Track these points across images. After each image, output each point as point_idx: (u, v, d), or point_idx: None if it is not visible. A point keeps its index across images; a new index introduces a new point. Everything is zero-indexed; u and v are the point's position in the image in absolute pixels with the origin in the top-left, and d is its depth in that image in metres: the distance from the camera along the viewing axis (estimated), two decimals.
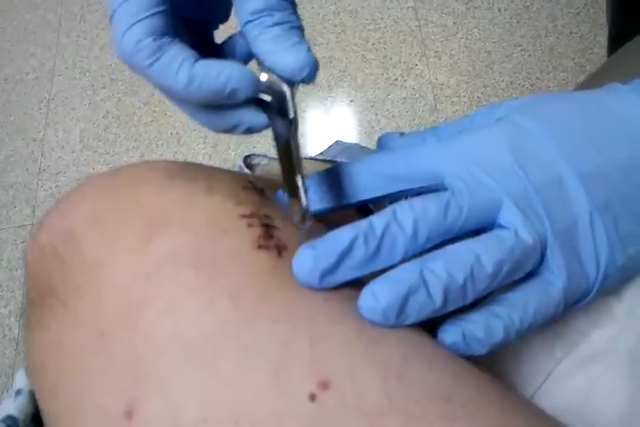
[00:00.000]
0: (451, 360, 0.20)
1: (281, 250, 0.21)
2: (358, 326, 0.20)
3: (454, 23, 1.38)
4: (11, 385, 1.11)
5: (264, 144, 1.31)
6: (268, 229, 0.22)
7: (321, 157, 0.49)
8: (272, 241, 0.21)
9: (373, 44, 1.39)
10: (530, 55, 1.31)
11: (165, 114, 1.38)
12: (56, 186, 1.34)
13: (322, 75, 1.37)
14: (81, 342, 0.20)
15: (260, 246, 0.21)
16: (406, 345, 0.20)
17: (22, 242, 1.28)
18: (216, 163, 1.30)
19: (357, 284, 0.21)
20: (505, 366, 0.24)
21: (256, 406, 0.17)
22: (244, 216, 0.22)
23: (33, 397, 0.23)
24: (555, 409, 0.23)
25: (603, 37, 1.29)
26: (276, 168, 0.49)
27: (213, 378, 0.18)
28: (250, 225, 0.22)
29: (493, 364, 0.24)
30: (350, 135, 1.30)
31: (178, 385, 0.18)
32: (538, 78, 1.28)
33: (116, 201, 0.22)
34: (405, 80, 1.33)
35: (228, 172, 0.26)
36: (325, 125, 1.32)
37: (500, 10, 1.37)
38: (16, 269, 1.26)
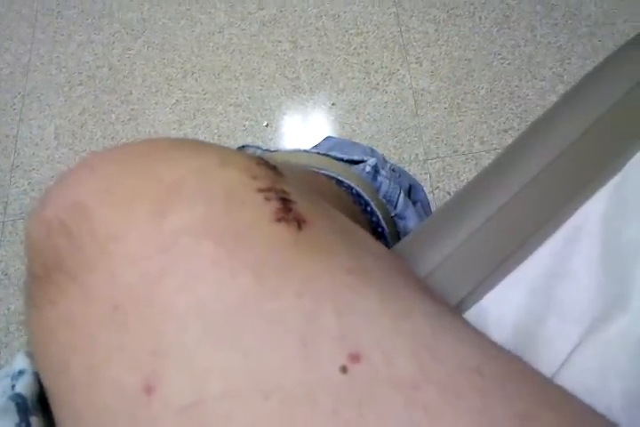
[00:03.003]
0: (477, 335, 0.20)
1: (300, 223, 0.21)
2: (382, 299, 0.19)
3: (436, 30, 1.39)
4: None
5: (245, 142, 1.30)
6: (286, 203, 0.21)
7: (315, 150, 0.49)
8: (291, 214, 0.21)
9: (355, 48, 1.40)
10: (509, 64, 1.33)
11: (144, 113, 1.37)
12: (29, 183, 1.31)
13: (303, 78, 1.37)
14: (93, 317, 0.19)
15: (279, 219, 0.20)
16: (432, 318, 0.19)
17: None
18: None
19: (379, 257, 0.21)
20: (521, 351, 0.24)
21: (285, 379, 0.16)
22: (260, 190, 0.21)
23: (36, 377, 0.21)
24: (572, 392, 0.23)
25: (580, 48, 1.32)
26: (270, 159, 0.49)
27: (238, 352, 0.17)
28: (267, 199, 0.21)
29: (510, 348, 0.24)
30: None
31: (200, 359, 0.17)
32: (517, 86, 1.30)
33: (128, 174, 0.21)
34: (387, 85, 1.33)
35: (237, 150, 0.25)
36: (307, 128, 1.32)
37: (480, 18, 1.39)
38: None
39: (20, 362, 0.22)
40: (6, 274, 1.22)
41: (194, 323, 0.18)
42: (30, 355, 0.22)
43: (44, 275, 0.21)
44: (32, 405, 0.20)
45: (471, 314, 0.25)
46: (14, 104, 1.43)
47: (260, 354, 0.17)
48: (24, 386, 0.21)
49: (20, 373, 0.21)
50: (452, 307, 0.25)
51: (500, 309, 0.25)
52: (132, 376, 0.17)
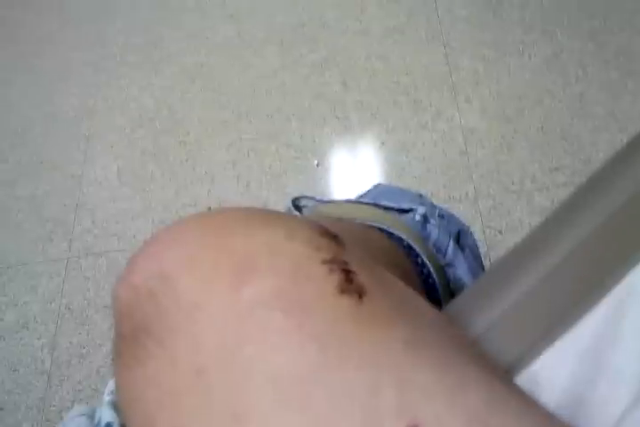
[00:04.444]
0: (527, 403, 0.21)
1: (361, 295, 0.22)
2: (437, 370, 0.21)
3: (485, 69, 1.41)
4: (42, 418, 1.11)
5: (296, 184, 1.33)
6: (347, 274, 0.23)
7: (365, 201, 0.51)
8: (352, 286, 0.23)
9: (404, 88, 1.42)
10: (560, 101, 1.33)
11: (200, 153, 1.42)
12: (92, 222, 1.38)
13: (353, 118, 1.40)
14: (179, 379, 0.21)
15: (342, 291, 0.22)
16: (485, 389, 0.20)
17: (57, 275, 1.31)
18: (248, 201, 1.33)
19: (433, 325, 0.22)
20: (573, 415, 0.25)
21: None
22: (324, 262, 0.23)
23: None
24: None
25: (633, 84, 1.31)
26: (322, 210, 0.51)
27: (308, 417, 0.19)
28: (331, 270, 0.23)
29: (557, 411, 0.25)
30: (381, 178, 1.32)
31: (275, 422, 0.19)
32: (568, 124, 1.30)
33: (207, 247, 0.24)
34: (436, 124, 1.35)
35: (302, 219, 0.27)
36: (356, 167, 1.34)
37: (529, 56, 1.40)
38: (50, 303, 1.28)
39: (107, 415, 0.24)
40: (69, 308, 1.28)
41: (269, 389, 0.19)
42: (114, 407, 0.25)
43: (131, 336, 0.23)
44: None
45: (522, 378, 0.26)
46: (79, 146, 1.51)
47: (327, 421, 0.19)
48: None
49: (108, 425, 0.24)
50: (503, 372, 0.26)
51: (551, 373, 0.26)
52: None
